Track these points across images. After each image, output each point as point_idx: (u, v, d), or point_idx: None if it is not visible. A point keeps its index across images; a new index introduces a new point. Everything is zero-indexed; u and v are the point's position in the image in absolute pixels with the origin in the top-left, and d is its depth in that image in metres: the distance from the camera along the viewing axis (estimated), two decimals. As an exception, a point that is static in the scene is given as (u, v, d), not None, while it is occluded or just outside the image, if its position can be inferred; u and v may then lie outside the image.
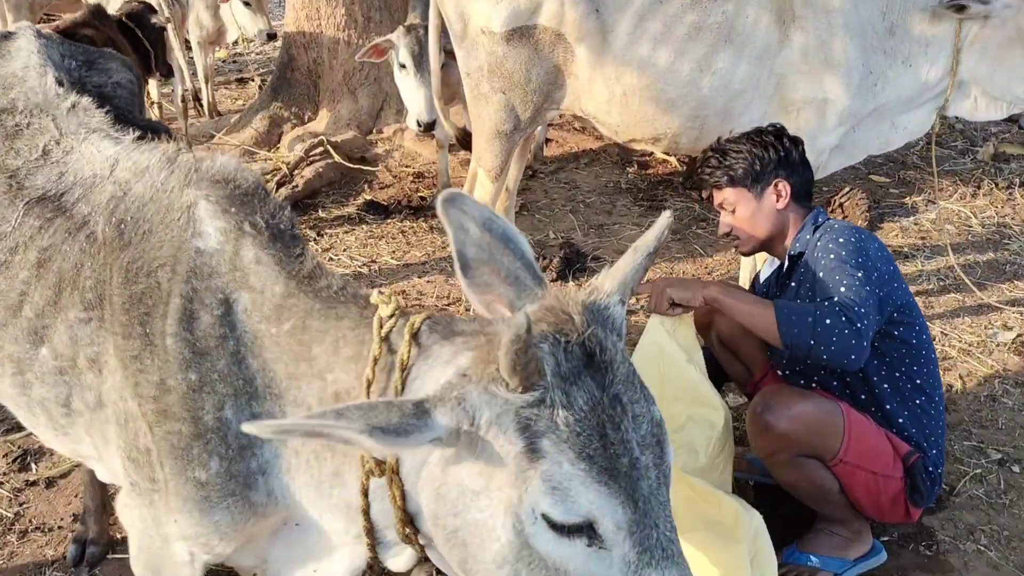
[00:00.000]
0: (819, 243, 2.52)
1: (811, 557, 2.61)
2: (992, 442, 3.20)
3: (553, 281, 4.31)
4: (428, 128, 4.69)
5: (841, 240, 2.47)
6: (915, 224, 4.89)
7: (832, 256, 2.44)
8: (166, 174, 1.70)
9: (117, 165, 1.80)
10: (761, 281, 2.91)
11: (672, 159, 5.66)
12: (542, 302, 1.34)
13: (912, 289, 4.25)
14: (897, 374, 2.51)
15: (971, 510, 2.89)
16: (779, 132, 2.70)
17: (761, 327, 2.39)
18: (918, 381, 2.52)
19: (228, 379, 1.53)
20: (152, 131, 2.19)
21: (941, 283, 4.32)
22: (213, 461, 1.54)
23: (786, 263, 2.71)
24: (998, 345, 3.80)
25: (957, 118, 5.39)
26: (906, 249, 4.63)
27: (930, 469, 2.50)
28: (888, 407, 2.50)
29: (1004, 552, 2.71)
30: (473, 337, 1.39)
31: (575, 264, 4.42)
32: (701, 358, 2.69)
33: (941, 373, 3.55)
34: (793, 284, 2.66)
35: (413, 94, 4.68)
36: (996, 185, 5.26)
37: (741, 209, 2.67)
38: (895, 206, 5.10)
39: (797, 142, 2.70)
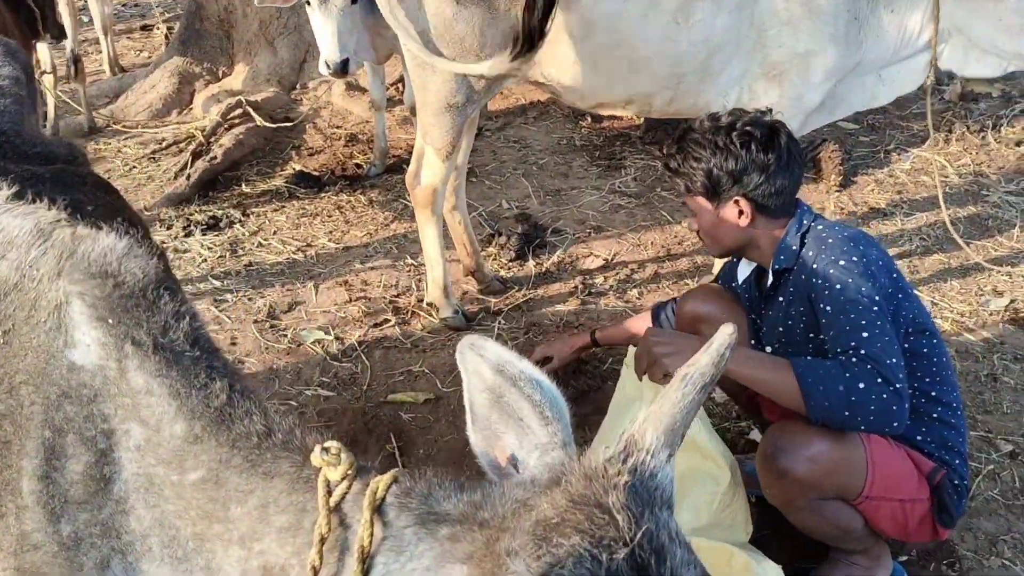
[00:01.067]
0: (815, 264, 2.18)
1: (830, 594, 2.33)
2: (1000, 430, 2.96)
3: (511, 261, 3.90)
4: (341, 71, 3.94)
5: (843, 264, 2.13)
6: (890, 177, 4.60)
7: (838, 287, 2.11)
8: (36, 253, 1.26)
9: None
10: (740, 281, 2.58)
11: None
12: (564, 491, 0.96)
13: (893, 251, 3.98)
14: (910, 390, 2.20)
15: (989, 516, 2.65)
16: (749, 136, 2.26)
17: (783, 397, 2.06)
18: (933, 393, 2.23)
19: (112, 532, 1.18)
20: (45, 160, 1.70)
21: (923, 243, 4.05)
22: None
23: (770, 276, 2.39)
24: (991, 314, 3.56)
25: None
26: (884, 206, 4.34)
27: (955, 482, 2.23)
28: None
29: (1030, 565, 2.49)
30: (464, 530, 1.00)
31: (534, 239, 4.02)
32: (701, 409, 2.36)
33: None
34: (781, 300, 2.35)
35: (319, 31, 3.94)
36: (968, 129, 4.99)
37: (702, 219, 2.39)
38: (867, 156, 4.80)
39: (770, 148, 2.26)
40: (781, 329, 2.37)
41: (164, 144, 5.07)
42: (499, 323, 3.51)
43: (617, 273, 3.84)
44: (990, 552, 2.53)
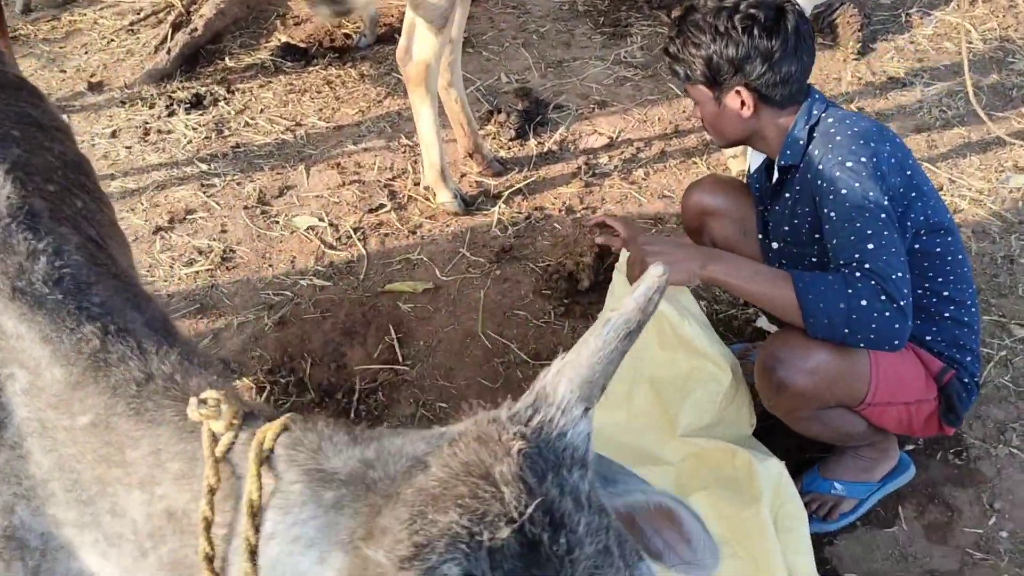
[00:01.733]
0: (821, 165, 2.04)
1: (835, 484, 2.32)
2: (1014, 315, 2.89)
3: (512, 140, 3.72)
4: None
5: (850, 165, 1.98)
6: (911, 43, 4.33)
7: (844, 191, 1.97)
8: None
9: None
10: (751, 172, 2.45)
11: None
12: (455, 453, 0.86)
13: (911, 124, 3.80)
14: (920, 291, 2.12)
15: (999, 403, 2.61)
16: (752, 19, 2.06)
17: (782, 312, 1.97)
18: (945, 293, 2.14)
19: (12, 478, 1.12)
20: None
21: (943, 115, 3.85)
22: (12, 573, 1.18)
23: (775, 172, 2.25)
24: (1010, 191, 3.42)
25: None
26: (903, 75, 4.10)
27: (965, 380, 2.17)
28: (912, 326, 2.11)
29: (1038, 453, 2.46)
30: (350, 494, 0.90)
31: (535, 117, 3.82)
32: (697, 309, 2.28)
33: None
34: (787, 197, 2.23)
35: None
36: (997, -12, 4.67)
37: (703, 109, 2.25)
38: (888, 21, 4.50)
39: (775, 33, 2.06)
40: (787, 228, 2.25)
41: (142, 15, 4.77)
42: (499, 207, 3.37)
43: (622, 152, 3.67)
44: (998, 440, 2.51)
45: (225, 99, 4.04)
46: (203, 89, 4.09)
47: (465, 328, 2.88)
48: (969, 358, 2.18)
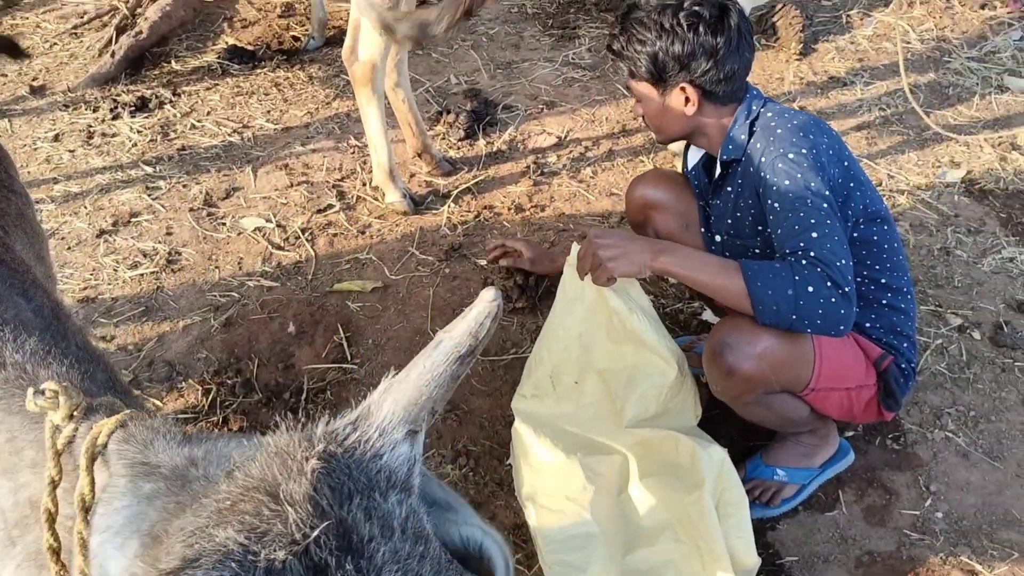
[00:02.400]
0: (763, 157, 2.08)
1: (777, 471, 2.37)
2: (950, 304, 2.97)
3: (461, 140, 3.74)
4: None
5: (791, 157, 2.03)
6: (851, 44, 4.44)
7: (787, 182, 2.01)
8: None
9: None
10: (690, 168, 2.49)
11: (582, -26, 4.94)
12: (249, 466, 0.83)
13: (852, 123, 3.89)
14: (859, 279, 2.17)
15: (935, 389, 2.68)
16: (696, 17, 2.10)
17: (731, 300, 2.00)
18: (883, 280, 2.20)
19: None
20: None
21: (883, 113, 3.95)
22: None
23: (717, 168, 2.29)
24: (947, 186, 3.51)
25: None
26: (844, 74, 4.20)
27: (902, 366, 2.23)
28: None
29: (972, 436, 2.53)
30: (166, 489, 0.89)
31: (484, 117, 3.84)
32: (647, 303, 2.31)
33: (891, 224, 3.29)
34: (730, 190, 2.27)
35: None
36: (933, -9, 4.80)
37: (646, 106, 2.27)
38: (829, 22, 4.61)
39: (719, 30, 2.10)
40: (730, 220, 2.29)
41: (86, 18, 4.70)
42: (449, 206, 3.39)
43: (571, 151, 3.71)
44: (934, 425, 2.57)
45: (171, 102, 4.00)
46: (148, 92, 4.04)
47: (414, 326, 2.88)
48: (906, 344, 2.23)
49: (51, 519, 0.95)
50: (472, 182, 3.51)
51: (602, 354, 2.31)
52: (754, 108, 2.20)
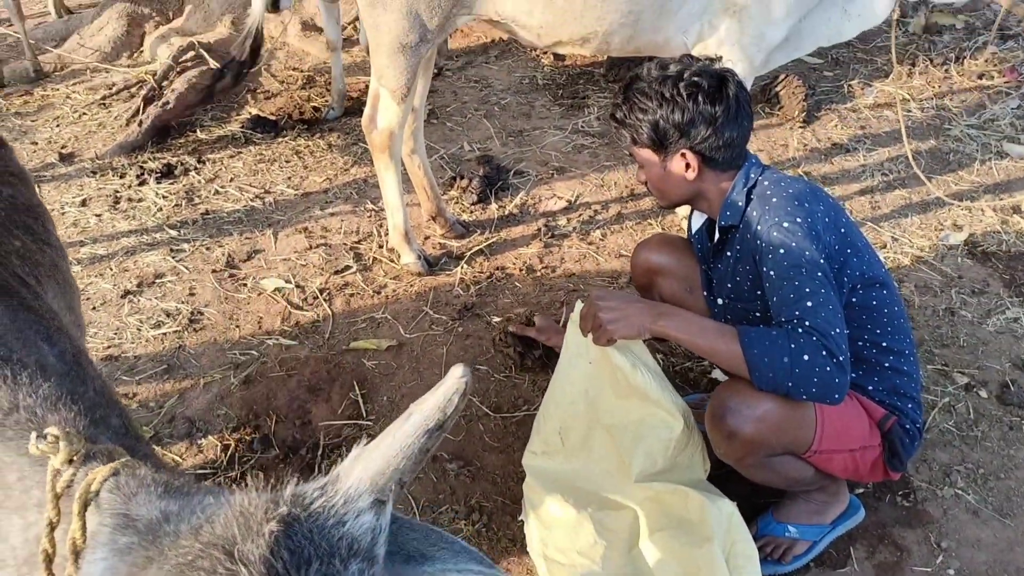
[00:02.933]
0: (759, 225, 2.15)
1: (788, 527, 2.38)
2: (956, 363, 3.01)
3: (474, 204, 3.86)
4: (273, 5, 3.79)
5: (786, 226, 2.10)
6: (853, 112, 4.58)
7: (782, 251, 2.08)
8: None
9: None
10: (693, 232, 2.57)
11: (591, 47, 5.13)
12: (220, 522, 0.85)
13: (855, 188, 3.99)
14: (860, 343, 2.22)
15: (944, 447, 2.71)
16: (696, 87, 2.20)
17: (729, 365, 2.06)
18: (884, 344, 2.24)
19: None
20: None
21: (885, 178, 4.05)
22: None
23: (716, 232, 2.37)
24: (950, 248, 3.59)
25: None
26: (847, 141, 4.32)
27: (907, 427, 2.26)
28: (853, 377, 2.20)
29: (982, 493, 2.55)
30: (139, 544, 0.92)
31: (496, 182, 3.96)
32: (650, 359, 2.37)
33: (896, 284, 3.35)
34: (729, 255, 2.34)
35: None
36: (931, 62, 4.96)
37: (648, 172, 2.33)
38: (831, 91, 4.76)
39: (718, 100, 2.20)
40: (730, 285, 2.36)
41: (114, 89, 4.90)
42: (462, 267, 3.48)
43: (580, 214, 3.82)
44: (944, 482, 2.59)
45: (196, 168, 4.15)
46: (174, 159, 4.20)
47: (428, 383, 2.94)
48: (910, 405, 2.27)
49: (48, 560, 0.98)
50: (485, 244, 3.61)
51: (608, 409, 2.36)
52: (752, 176, 2.27)
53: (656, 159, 2.29)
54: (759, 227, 2.15)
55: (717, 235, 2.38)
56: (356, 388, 2.91)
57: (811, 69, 4.98)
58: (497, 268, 3.49)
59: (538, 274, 3.45)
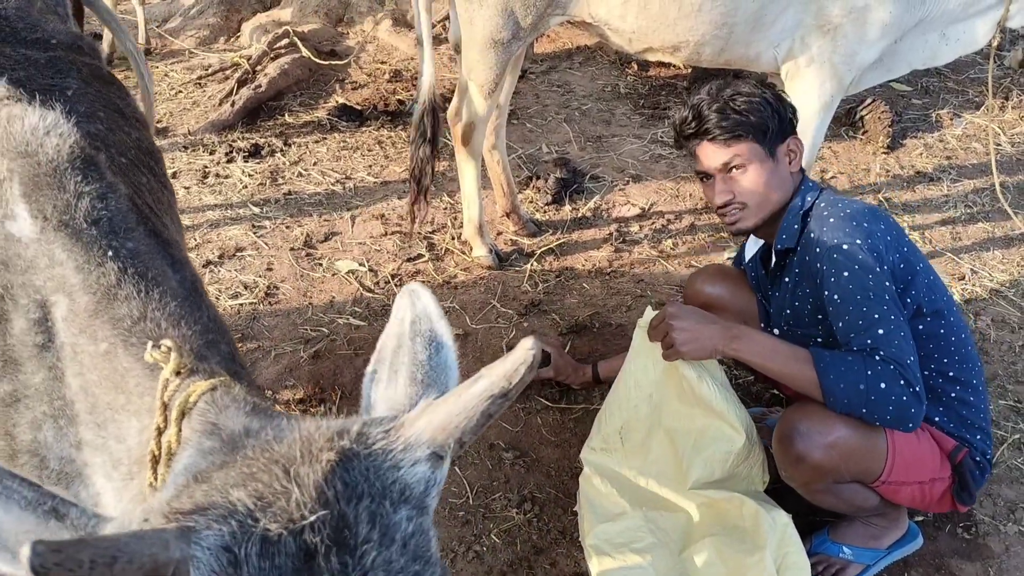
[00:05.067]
0: (817, 247, 2.11)
1: (844, 548, 2.35)
2: (1030, 401, 2.93)
3: (548, 205, 3.90)
4: None
5: (846, 248, 2.05)
6: (940, 141, 4.49)
7: (846, 274, 2.04)
8: None
9: None
10: (747, 259, 2.55)
11: (675, 59, 5.15)
12: (282, 439, 0.89)
13: (938, 217, 3.92)
14: (927, 372, 2.15)
15: (1011, 483, 2.64)
16: (767, 89, 2.28)
17: (802, 388, 2.04)
18: (951, 373, 2.19)
19: (46, 397, 1.23)
20: (45, 46, 1.73)
21: (969, 210, 3.97)
22: None
23: (773, 257, 2.33)
24: (1032, 285, 3.49)
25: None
26: (931, 170, 4.24)
27: (978, 459, 2.21)
28: None
29: (1048, 534, 2.48)
30: (220, 448, 0.97)
31: (572, 185, 4.00)
32: (718, 371, 2.34)
33: (972, 318, 3.28)
34: (787, 281, 2.30)
35: None
36: (1026, 96, 4.83)
37: (755, 169, 2.20)
38: (918, 120, 4.68)
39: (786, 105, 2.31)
40: (788, 311, 2.32)
41: (210, 71, 5.09)
42: (531, 265, 3.52)
43: (653, 222, 3.83)
44: (1008, 519, 2.53)
45: (282, 151, 4.29)
46: (262, 140, 4.35)
47: (491, 374, 2.98)
48: (979, 436, 2.22)
49: (155, 461, 1.06)
50: (555, 244, 3.65)
51: (671, 414, 2.36)
52: (808, 199, 2.24)
53: (762, 152, 2.21)
54: (818, 249, 2.10)
55: (774, 260, 2.34)
56: (420, 372, 2.97)
57: (899, 96, 4.90)
58: (566, 268, 3.53)
59: (606, 277, 3.47)
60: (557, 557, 2.40)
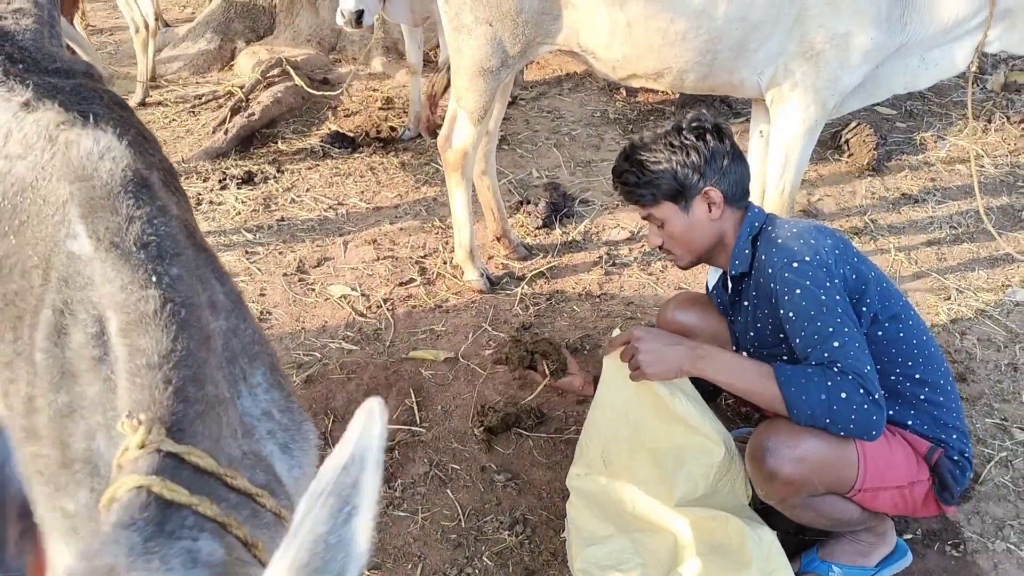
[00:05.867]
0: (769, 269, 2.17)
1: (833, 567, 2.37)
2: (1016, 419, 2.96)
3: (538, 229, 3.95)
4: (356, 22, 3.84)
5: (796, 266, 2.10)
6: (925, 164, 4.56)
7: (798, 291, 2.08)
8: (48, 156, 1.38)
9: (9, 138, 1.47)
10: (711, 287, 2.59)
11: (663, 85, 5.23)
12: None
13: (924, 238, 3.97)
14: (893, 378, 2.20)
15: (998, 501, 2.66)
16: (701, 128, 2.26)
17: (766, 403, 2.08)
18: (917, 376, 2.22)
19: (100, 408, 1.25)
20: (67, 75, 1.78)
21: (953, 231, 4.02)
22: (82, 493, 1.28)
23: (730, 284, 2.39)
24: (1016, 304, 3.53)
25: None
26: (916, 192, 4.30)
27: (955, 458, 2.22)
28: (891, 414, 2.19)
29: (1035, 551, 2.50)
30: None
31: (562, 209, 4.05)
32: (690, 387, 2.37)
33: (958, 337, 3.32)
34: (746, 304, 2.35)
35: None
36: (1008, 119, 4.92)
37: (671, 226, 2.29)
38: (903, 142, 4.75)
39: (723, 135, 2.28)
40: (752, 333, 2.37)
41: (203, 99, 5.15)
42: (522, 288, 3.56)
43: (642, 246, 3.87)
44: (996, 536, 2.55)
45: (275, 177, 4.33)
46: (255, 167, 4.39)
47: (482, 396, 3.01)
48: (955, 436, 2.23)
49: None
50: (546, 267, 3.69)
51: (650, 433, 2.38)
52: (756, 224, 2.28)
53: (676, 209, 2.26)
54: (770, 270, 2.16)
55: (731, 286, 2.39)
56: (412, 395, 2.99)
57: (884, 119, 4.98)
58: (556, 291, 3.56)
59: (596, 300, 3.51)
60: (549, 579, 2.41)
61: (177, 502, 0.94)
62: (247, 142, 4.62)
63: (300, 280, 3.59)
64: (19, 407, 1.30)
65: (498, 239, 3.75)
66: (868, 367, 2.00)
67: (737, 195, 2.28)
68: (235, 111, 4.78)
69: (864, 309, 2.16)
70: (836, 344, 2.01)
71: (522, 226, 3.98)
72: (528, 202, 4.06)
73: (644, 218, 2.36)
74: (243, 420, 1.31)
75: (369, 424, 0.86)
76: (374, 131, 4.77)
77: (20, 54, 1.73)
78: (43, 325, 1.27)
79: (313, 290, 3.54)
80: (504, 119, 4.41)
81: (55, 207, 1.32)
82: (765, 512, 2.42)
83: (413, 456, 2.78)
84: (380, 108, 5.03)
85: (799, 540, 2.49)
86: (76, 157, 1.28)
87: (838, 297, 2.07)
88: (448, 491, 2.65)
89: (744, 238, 2.26)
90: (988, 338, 3.35)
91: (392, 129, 4.79)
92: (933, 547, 2.52)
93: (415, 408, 2.95)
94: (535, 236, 3.92)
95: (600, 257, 3.77)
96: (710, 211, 2.25)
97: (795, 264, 2.11)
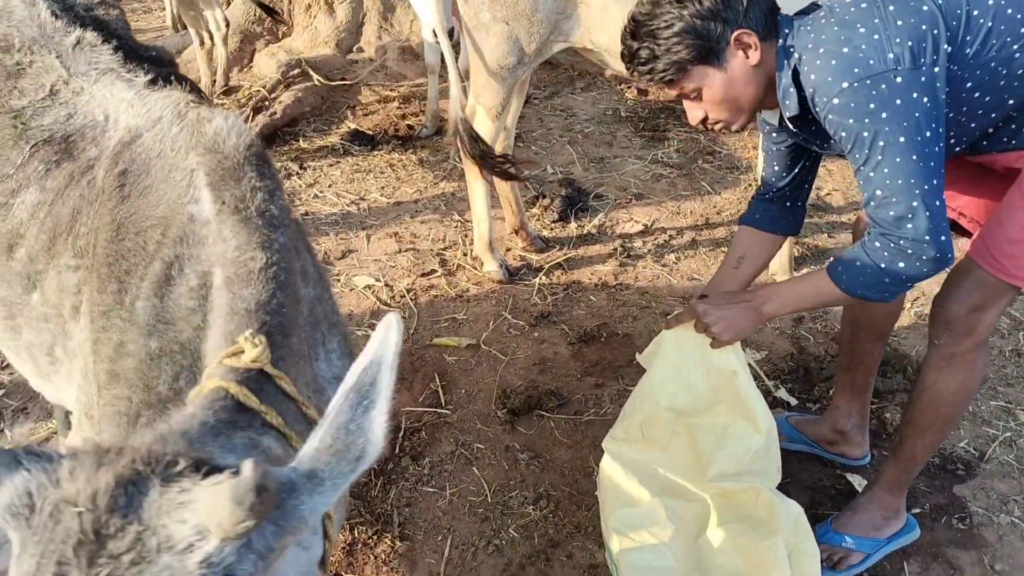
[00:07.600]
0: (818, 108, 1.85)
1: (846, 538, 2.47)
2: (1019, 401, 3.07)
3: (554, 222, 4.07)
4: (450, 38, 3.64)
5: (837, 102, 1.78)
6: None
7: (843, 133, 1.80)
8: (176, 130, 1.54)
9: (130, 110, 1.66)
10: (765, 131, 2.29)
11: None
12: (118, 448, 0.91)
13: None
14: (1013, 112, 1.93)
15: (1002, 478, 2.77)
16: None
17: (837, 303, 2.11)
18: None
19: (188, 352, 1.39)
20: (157, 62, 1.96)
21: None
22: None
23: (788, 125, 2.07)
24: (1021, 293, 3.63)
25: None
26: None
27: None
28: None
29: (1038, 524, 2.61)
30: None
31: (577, 203, 4.17)
32: (745, 367, 2.44)
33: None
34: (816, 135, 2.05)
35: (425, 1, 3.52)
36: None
37: (711, 91, 1.95)
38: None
39: None
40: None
41: (226, 100, 5.28)
42: (540, 278, 3.67)
43: (656, 238, 3.98)
44: (1000, 510, 2.66)
45: (298, 174, 4.46)
46: (278, 164, 4.52)
47: (504, 379, 3.12)
48: None
49: None
50: (562, 259, 3.80)
51: (695, 412, 2.46)
52: (790, 47, 1.90)
53: (712, 69, 1.92)
54: (818, 109, 1.84)
55: (791, 128, 2.07)
56: (437, 380, 3.11)
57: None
58: (573, 282, 3.68)
59: (612, 290, 3.62)
60: (573, 550, 2.52)
61: (249, 406, 1.08)
62: (270, 140, 4.75)
63: (326, 271, 3.71)
64: (107, 352, 1.42)
65: (516, 232, 3.87)
66: (943, 232, 1.80)
67: (769, 26, 1.91)
68: (257, 110, 4.91)
69: (968, 51, 1.83)
70: (910, 226, 1.79)
71: (538, 219, 4.09)
72: (544, 196, 4.18)
73: (676, 96, 2.02)
74: (316, 379, 1.43)
75: (388, 334, 1.00)
76: (392, 129, 4.89)
77: (122, 43, 1.91)
78: (151, 276, 1.40)
79: (338, 281, 3.66)
80: (519, 118, 4.53)
81: (183, 174, 1.46)
82: (784, 489, 2.52)
83: (440, 436, 2.90)
84: (398, 107, 5.16)
85: (814, 514, 2.60)
86: (208, 131, 1.45)
87: (923, 147, 1.74)
88: (474, 469, 2.76)
89: (784, 72, 1.90)
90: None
91: (410, 127, 4.92)
92: (940, 520, 2.63)
93: (440, 392, 3.06)
94: (551, 229, 4.04)
95: (615, 249, 3.89)
96: (747, 57, 1.91)
97: (844, 85, 1.75)
